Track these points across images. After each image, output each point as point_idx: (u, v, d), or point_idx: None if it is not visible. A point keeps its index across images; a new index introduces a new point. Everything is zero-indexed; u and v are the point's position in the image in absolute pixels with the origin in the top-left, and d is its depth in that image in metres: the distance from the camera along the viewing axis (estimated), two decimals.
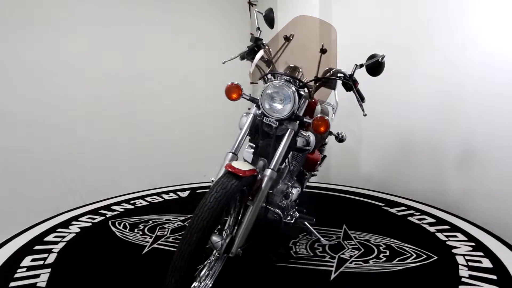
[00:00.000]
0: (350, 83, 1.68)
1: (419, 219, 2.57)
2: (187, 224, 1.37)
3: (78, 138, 3.44)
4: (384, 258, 1.98)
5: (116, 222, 2.54)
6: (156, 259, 1.99)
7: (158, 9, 3.92)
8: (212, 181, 2.07)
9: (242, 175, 1.37)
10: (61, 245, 2.13)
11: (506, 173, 2.48)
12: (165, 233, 2.37)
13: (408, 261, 1.95)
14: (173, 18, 4.04)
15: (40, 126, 3.21)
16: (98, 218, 2.61)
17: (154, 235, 2.32)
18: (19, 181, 3.10)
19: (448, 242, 2.17)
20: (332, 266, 1.91)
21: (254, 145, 1.87)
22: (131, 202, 3.01)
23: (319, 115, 1.59)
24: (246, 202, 1.53)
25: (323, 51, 1.69)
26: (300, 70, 1.70)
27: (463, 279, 1.73)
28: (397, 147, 3.33)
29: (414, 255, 2.01)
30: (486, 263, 1.88)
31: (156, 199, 3.11)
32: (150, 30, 3.87)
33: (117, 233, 2.34)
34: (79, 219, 2.58)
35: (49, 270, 1.82)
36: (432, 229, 2.39)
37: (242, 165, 1.43)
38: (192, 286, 1.49)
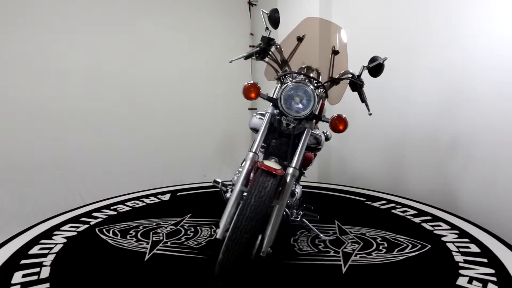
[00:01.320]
0: (359, 83, 1.75)
1: (402, 212, 2.75)
2: (232, 226, 1.32)
3: (78, 138, 3.45)
4: (385, 250, 2.09)
5: (104, 229, 2.38)
6: (160, 265, 1.91)
7: (158, 9, 3.93)
8: (217, 181, 2.04)
9: (277, 174, 1.37)
10: (50, 257, 1.95)
11: (507, 170, 2.53)
12: (161, 238, 2.27)
13: (406, 251, 2.07)
14: (173, 18, 4.06)
15: (40, 126, 3.22)
16: (82, 226, 2.43)
17: (150, 241, 2.22)
18: (19, 181, 3.10)
19: (435, 231, 2.34)
20: (339, 260, 1.97)
21: (265, 145, 1.88)
22: (112, 208, 2.84)
23: (336, 114, 1.64)
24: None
25: (335, 52, 1.74)
26: (315, 70, 1.73)
27: (460, 264, 1.88)
28: (396, 145, 3.36)
29: (410, 245, 2.14)
30: (474, 248, 2.07)
31: (138, 204, 2.97)
32: (150, 31, 3.89)
33: (110, 241, 2.20)
34: (61, 228, 2.38)
35: (47, 285, 1.67)
36: (416, 220, 2.57)
37: (272, 164, 1.43)
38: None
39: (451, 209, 2.74)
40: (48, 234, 2.27)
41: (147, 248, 2.11)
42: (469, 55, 2.71)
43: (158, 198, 3.15)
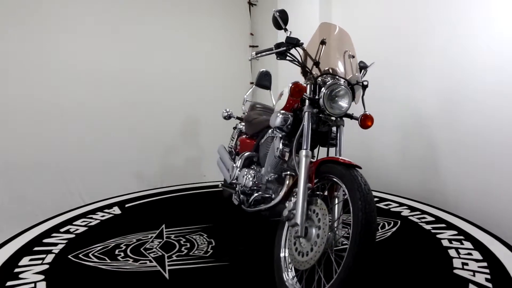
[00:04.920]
0: (366, 84, 1.97)
1: None
2: (351, 219, 1.33)
3: (78, 138, 3.45)
4: None
5: (80, 255, 1.98)
6: (188, 280, 1.74)
7: (159, 10, 3.96)
8: (228, 184, 1.97)
9: (358, 166, 1.47)
10: None
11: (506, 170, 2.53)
12: (159, 253, 2.04)
13: (387, 228, 2.43)
14: (173, 18, 4.08)
15: (40, 125, 3.24)
16: (47, 257, 1.94)
17: (151, 258, 1.97)
18: (19, 181, 3.11)
19: (392, 209, 2.79)
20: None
21: (288, 142, 1.93)
22: (61, 230, 2.35)
23: (363, 112, 1.83)
24: (331, 195, 1.62)
25: (351, 56, 1.92)
26: (339, 72, 1.86)
27: (432, 231, 2.33)
28: (395, 145, 3.36)
29: (386, 223, 2.51)
30: (429, 217, 2.57)
31: (91, 222, 2.53)
32: (151, 31, 3.90)
33: (102, 267, 1.85)
34: (19, 264, 1.85)
35: None
36: None
37: (346, 158, 1.52)
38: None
39: (450, 209, 2.75)
40: (10, 273, 1.74)
41: (156, 266, 1.87)
42: (469, 55, 2.71)
43: (108, 213, 2.75)
